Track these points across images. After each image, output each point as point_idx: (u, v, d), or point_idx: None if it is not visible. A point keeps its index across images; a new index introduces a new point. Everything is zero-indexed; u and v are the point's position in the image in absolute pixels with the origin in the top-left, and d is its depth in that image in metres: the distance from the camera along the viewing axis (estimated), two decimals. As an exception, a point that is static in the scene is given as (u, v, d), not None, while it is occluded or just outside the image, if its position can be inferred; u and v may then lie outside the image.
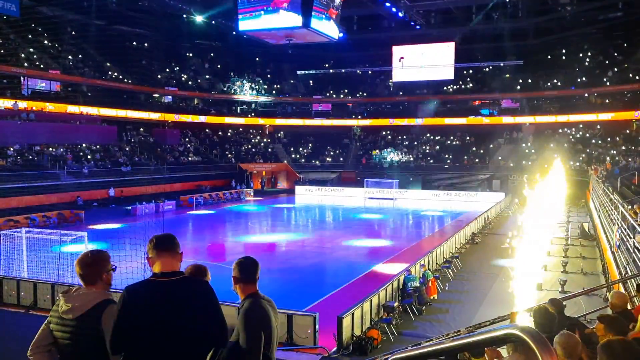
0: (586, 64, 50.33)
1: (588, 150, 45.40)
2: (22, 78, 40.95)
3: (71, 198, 32.62)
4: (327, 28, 30.24)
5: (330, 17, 29.09)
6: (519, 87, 52.61)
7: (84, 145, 39.62)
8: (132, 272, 9.02)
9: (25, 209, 28.07)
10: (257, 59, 61.75)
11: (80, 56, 47.02)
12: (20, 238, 16.81)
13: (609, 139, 45.92)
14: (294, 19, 27.99)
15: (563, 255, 19.83)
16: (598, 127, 47.64)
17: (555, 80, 50.80)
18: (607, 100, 48.36)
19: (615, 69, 47.48)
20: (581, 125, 48.89)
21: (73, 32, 47.96)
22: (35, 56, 42.34)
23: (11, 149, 33.89)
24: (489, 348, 3.32)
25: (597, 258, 19.49)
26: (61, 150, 37.20)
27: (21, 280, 14.33)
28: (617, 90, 47.14)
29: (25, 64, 40.49)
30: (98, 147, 40.56)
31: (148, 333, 2.64)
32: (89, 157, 38.38)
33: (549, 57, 52.44)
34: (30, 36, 43.84)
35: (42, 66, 41.89)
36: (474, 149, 51.48)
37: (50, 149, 36.64)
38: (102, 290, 3.01)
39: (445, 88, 55.86)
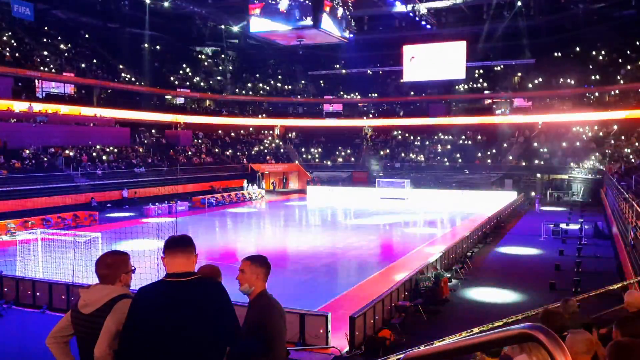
0: (600, 61, 49.76)
1: (602, 148, 44.89)
2: (36, 81, 41.42)
3: (85, 199, 32.93)
4: (336, 28, 30.25)
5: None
6: (531, 85, 52.16)
7: (97, 147, 39.97)
8: (145, 273, 9.05)
9: (40, 210, 28.35)
10: (269, 60, 61.97)
11: (93, 59, 47.44)
12: (35, 239, 17.06)
13: (622, 137, 45.37)
14: (303, 20, 28.12)
15: (577, 254, 19.67)
16: (615, 127, 46.93)
17: (568, 79, 50.28)
18: (621, 98, 47.78)
19: (629, 67, 46.90)
20: (596, 126, 48.27)
21: (86, 35, 48.50)
22: (49, 59, 42.79)
23: (26, 152, 34.30)
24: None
25: (612, 257, 19.30)
26: (75, 152, 37.56)
27: (37, 281, 14.53)
28: (631, 88, 46.56)
29: (40, 67, 40.96)
30: (111, 148, 40.91)
31: (160, 333, 2.63)
32: (102, 158, 38.72)
33: (562, 55, 51.93)
34: (44, 39, 44.34)
35: (54, 69, 42.33)
36: (486, 148, 51.15)
37: (65, 151, 37.01)
38: (119, 287, 3.00)
39: (456, 87, 55.57)
